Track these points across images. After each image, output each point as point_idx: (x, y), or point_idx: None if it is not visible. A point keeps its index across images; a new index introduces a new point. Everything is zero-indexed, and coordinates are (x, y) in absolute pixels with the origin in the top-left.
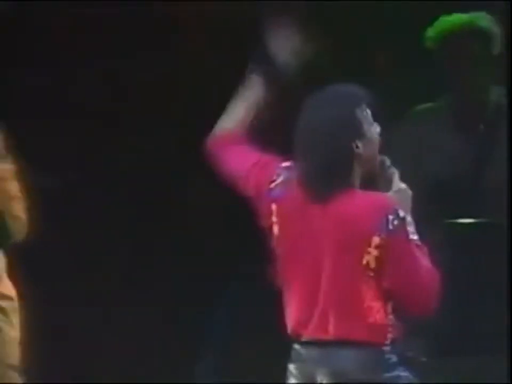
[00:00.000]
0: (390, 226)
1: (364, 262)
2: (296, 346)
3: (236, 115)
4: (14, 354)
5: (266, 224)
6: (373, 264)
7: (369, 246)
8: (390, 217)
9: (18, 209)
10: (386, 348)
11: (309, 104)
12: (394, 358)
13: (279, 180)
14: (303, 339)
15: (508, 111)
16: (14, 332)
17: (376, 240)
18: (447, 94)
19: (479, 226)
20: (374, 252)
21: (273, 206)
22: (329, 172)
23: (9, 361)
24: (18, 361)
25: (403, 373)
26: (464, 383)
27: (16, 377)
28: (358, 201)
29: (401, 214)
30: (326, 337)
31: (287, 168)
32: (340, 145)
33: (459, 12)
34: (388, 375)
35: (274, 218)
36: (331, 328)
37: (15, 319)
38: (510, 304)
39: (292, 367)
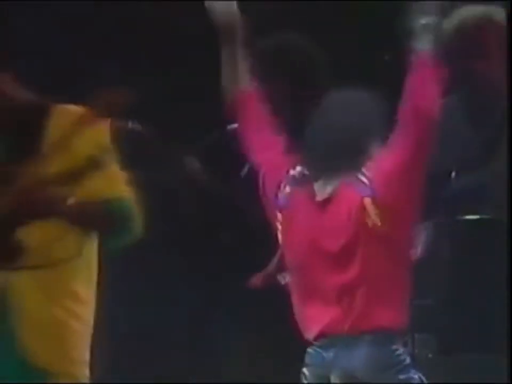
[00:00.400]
0: (367, 184)
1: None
2: (310, 350)
3: (235, 72)
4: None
5: (272, 226)
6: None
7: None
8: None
9: (133, 207)
10: (400, 349)
11: (330, 108)
12: (407, 360)
13: (286, 190)
14: (319, 340)
15: (508, 111)
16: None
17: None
18: (460, 88)
19: (480, 223)
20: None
21: (279, 215)
22: (345, 168)
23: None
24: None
25: (415, 375)
26: (464, 382)
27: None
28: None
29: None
30: (344, 333)
31: (293, 177)
32: (364, 146)
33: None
34: (401, 376)
35: (279, 225)
36: (350, 322)
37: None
38: (510, 304)
39: (305, 370)
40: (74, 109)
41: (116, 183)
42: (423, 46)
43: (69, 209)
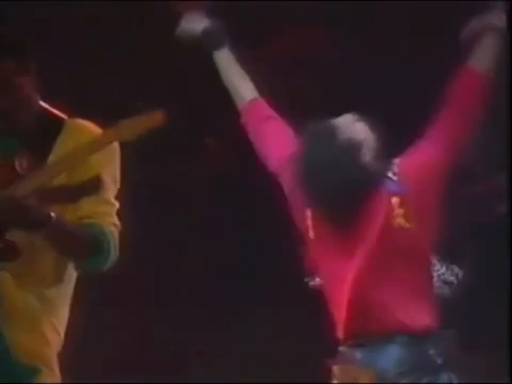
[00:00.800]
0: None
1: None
2: (342, 349)
3: (243, 83)
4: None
5: (301, 227)
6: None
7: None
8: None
9: (114, 240)
10: (431, 350)
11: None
12: (439, 360)
13: None
14: (351, 340)
15: (508, 110)
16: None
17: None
18: None
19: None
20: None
21: (308, 211)
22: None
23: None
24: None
25: (446, 375)
26: (463, 382)
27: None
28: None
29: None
30: (376, 334)
31: None
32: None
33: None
34: (432, 376)
35: (309, 222)
36: (382, 323)
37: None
38: (510, 303)
39: (336, 369)
40: (89, 126)
41: (107, 211)
42: (483, 65)
43: (54, 227)
